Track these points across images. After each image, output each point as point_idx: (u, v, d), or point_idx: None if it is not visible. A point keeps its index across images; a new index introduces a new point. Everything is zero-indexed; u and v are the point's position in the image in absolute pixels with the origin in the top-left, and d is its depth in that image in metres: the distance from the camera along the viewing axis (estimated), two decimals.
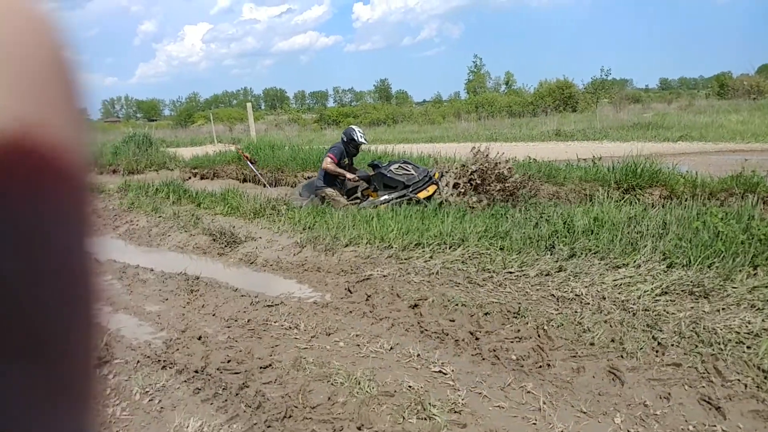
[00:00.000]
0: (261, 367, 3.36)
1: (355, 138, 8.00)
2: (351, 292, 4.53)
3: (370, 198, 7.76)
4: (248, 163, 10.28)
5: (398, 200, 7.23)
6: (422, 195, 7.17)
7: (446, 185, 7.22)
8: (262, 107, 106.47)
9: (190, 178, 14.01)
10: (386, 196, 7.41)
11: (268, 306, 4.36)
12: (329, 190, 7.86)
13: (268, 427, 2.76)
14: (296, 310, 4.24)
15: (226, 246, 6.26)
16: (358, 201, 7.92)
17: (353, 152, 8.17)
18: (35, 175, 0.25)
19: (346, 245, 5.66)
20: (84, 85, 0.29)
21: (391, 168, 7.64)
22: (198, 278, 5.20)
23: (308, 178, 11.23)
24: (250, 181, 12.21)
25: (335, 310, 4.20)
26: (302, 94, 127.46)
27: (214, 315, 4.31)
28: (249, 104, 18.67)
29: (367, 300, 4.33)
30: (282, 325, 3.97)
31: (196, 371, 3.36)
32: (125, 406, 3.06)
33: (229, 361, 3.48)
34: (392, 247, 5.41)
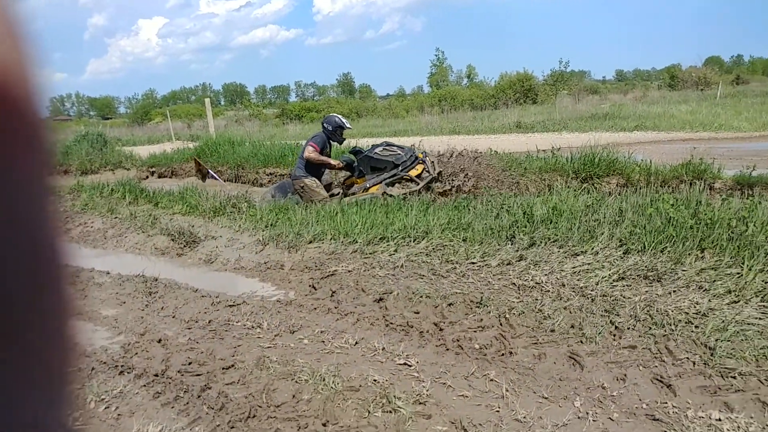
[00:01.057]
0: (223, 368, 3.31)
1: (342, 124, 7.79)
2: (315, 289, 4.50)
3: (356, 185, 7.56)
4: (210, 173, 10.00)
5: (390, 181, 7.12)
6: (413, 173, 7.11)
7: (432, 163, 7.33)
8: (222, 103, 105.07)
9: (147, 177, 13.74)
10: (375, 179, 7.25)
11: (229, 306, 4.31)
12: (309, 180, 7.61)
13: (232, 428, 2.72)
14: (259, 309, 4.20)
15: (185, 246, 6.15)
16: (335, 195, 7.75)
17: (340, 139, 7.93)
18: None
19: (310, 242, 5.63)
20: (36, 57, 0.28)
21: (376, 150, 7.49)
22: (157, 280, 5.10)
23: (270, 174, 11.13)
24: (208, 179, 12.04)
25: (299, 308, 4.17)
26: (263, 89, 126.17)
27: (174, 317, 4.24)
28: (207, 100, 18.36)
29: (331, 296, 4.32)
30: (244, 325, 3.92)
31: (156, 375, 3.29)
32: (78, 417, 2.97)
33: (190, 363, 3.42)
34: (357, 242, 5.40)
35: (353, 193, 7.39)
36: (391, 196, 6.91)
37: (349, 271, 4.75)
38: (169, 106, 62.48)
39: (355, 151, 7.76)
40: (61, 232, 0.29)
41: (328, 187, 7.98)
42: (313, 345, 3.55)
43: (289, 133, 24.08)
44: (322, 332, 3.71)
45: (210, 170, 9.34)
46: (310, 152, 7.55)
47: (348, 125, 7.91)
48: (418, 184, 7.03)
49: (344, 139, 8.09)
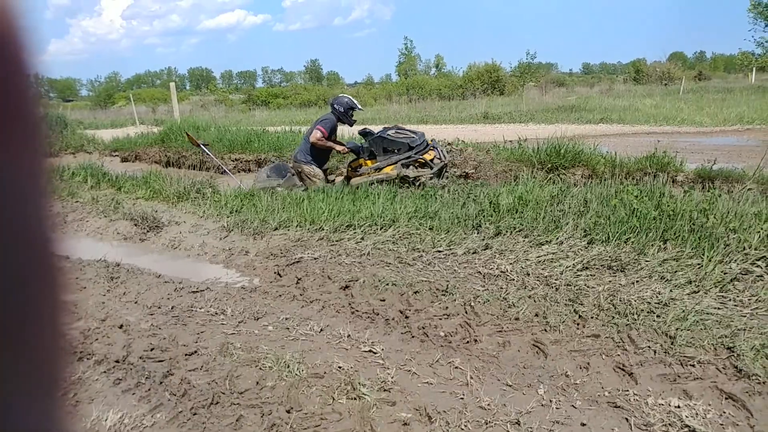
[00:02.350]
0: (186, 354, 3.26)
1: (354, 105, 7.46)
2: (281, 276, 4.46)
3: (364, 166, 7.28)
4: (202, 148, 9.58)
5: (405, 162, 6.91)
6: (427, 157, 6.96)
7: (442, 151, 7.26)
8: (188, 87, 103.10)
9: (110, 161, 13.41)
10: (388, 159, 7.01)
11: (193, 292, 4.24)
12: (308, 168, 7.33)
13: (194, 414, 2.68)
14: (223, 295, 4.14)
15: (148, 231, 6.02)
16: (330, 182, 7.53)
17: (351, 121, 7.55)
18: None
19: (276, 228, 5.57)
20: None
21: (389, 132, 7.24)
22: (119, 265, 4.98)
23: (235, 160, 10.96)
24: (173, 165, 11.81)
25: (264, 295, 4.13)
26: (229, 74, 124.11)
27: (136, 302, 4.15)
28: (172, 84, 18.01)
29: (297, 283, 4.28)
30: (208, 311, 3.86)
31: (117, 361, 3.22)
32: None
33: (152, 349, 3.35)
34: (323, 230, 5.36)
35: (361, 174, 7.16)
36: (407, 177, 6.80)
37: (315, 259, 4.71)
38: (133, 90, 61.06)
39: (365, 133, 7.38)
40: (55, 228, 0.29)
41: (325, 172, 7.69)
42: (277, 332, 3.52)
43: (256, 119, 23.77)
44: (287, 319, 3.68)
45: (202, 144, 8.97)
46: (318, 137, 7.23)
47: (360, 106, 7.61)
48: (432, 169, 6.90)
49: (355, 121, 7.71)
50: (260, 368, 3.07)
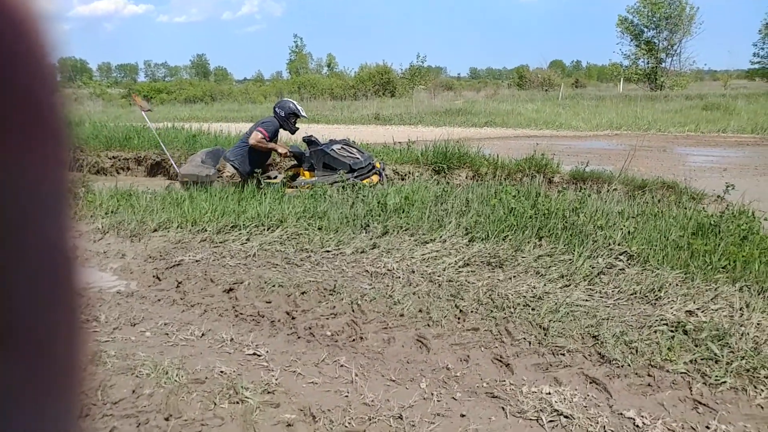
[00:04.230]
0: None
1: (297, 111, 7.03)
2: (160, 280, 4.27)
3: (302, 177, 6.81)
4: (143, 114, 8.43)
5: (341, 185, 6.28)
6: (367, 182, 6.41)
7: (386, 176, 6.85)
8: (57, 79, 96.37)
9: None
10: (325, 178, 6.50)
11: None
12: (230, 171, 6.88)
13: None
14: (96, 301, 3.89)
15: None
16: (273, 179, 7.03)
17: (293, 128, 7.12)
18: None
19: (155, 230, 5.32)
20: None
21: (334, 147, 6.74)
22: None
23: (113, 158, 10.38)
24: None
25: (142, 299, 3.93)
26: (107, 66, 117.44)
27: None
28: None
29: (177, 287, 4.11)
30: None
31: None
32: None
33: None
34: (206, 231, 5.19)
35: (294, 187, 6.71)
36: None
37: (197, 261, 4.55)
38: None
39: (309, 141, 6.93)
40: (73, 232, 0.28)
41: (265, 169, 7.19)
42: (156, 338, 3.36)
43: (137, 115, 22.60)
44: (166, 324, 3.52)
45: (145, 112, 8.03)
46: (258, 139, 6.75)
47: (303, 113, 7.16)
48: None
49: (297, 129, 7.27)
50: (137, 376, 2.91)
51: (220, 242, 4.96)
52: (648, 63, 40.31)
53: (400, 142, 9.41)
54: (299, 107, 7.14)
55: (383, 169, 7.03)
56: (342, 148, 6.83)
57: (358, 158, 6.72)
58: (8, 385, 0.24)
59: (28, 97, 0.25)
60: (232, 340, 3.29)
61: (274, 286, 3.99)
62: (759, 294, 3.52)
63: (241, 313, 3.64)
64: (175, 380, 2.84)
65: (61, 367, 0.28)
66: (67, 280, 0.28)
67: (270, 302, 3.79)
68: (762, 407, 2.51)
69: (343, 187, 6.10)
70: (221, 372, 2.92)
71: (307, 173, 6.83)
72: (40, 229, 0.26)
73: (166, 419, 2.56)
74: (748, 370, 2.74)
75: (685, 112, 20.16)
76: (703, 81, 51.66)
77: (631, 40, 40.73)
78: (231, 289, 3.99)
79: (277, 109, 7.10)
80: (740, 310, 3.30)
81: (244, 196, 6.04)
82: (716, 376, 2.70)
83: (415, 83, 39.37)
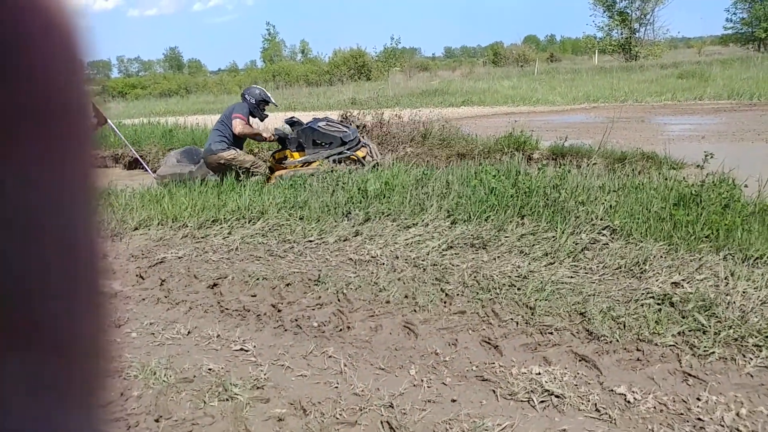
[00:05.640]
0: None
1: (266, 98, 6.84)
2: (143, 278, 4.21)
3: (290, 158, 6.69)
4: (110, 125, 8.06)
5: (336, 158, 6.37)
6: (359, 154, 6.51)
7: (373, 149, 6.88)
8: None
9: None
10: (317, 154, 6.46)
11: None
12: (234, 151, 6.55)
13: None
14: None
15: None
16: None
17: (262, 115, 6.90)
18: None
19: (135, 228, 5.25)
20: None
21: (320, 124, 6.69)
22: None
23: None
24: None
25: (125, 300, 3.88)
26: None
27: None
28: None
29: (161, 285, 4.06)
30: None
31: None
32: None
33: None
34: (187, 226, 5.13)
35: (286, 167, 6.66)
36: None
37: (179, 258, 4.49)
38: None
39: (292, 122, 6.86)
40: (100, 233, 0.28)
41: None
42: (141, 338, 3.32)
43: (111, 113, 22.26)
44: (151, 324, 3.47)
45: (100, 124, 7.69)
46: (242, 126, 6.53)
47: (273, 100, 7.01)
48: (364, 167, 6.43)
49: (266, 116, 7.07)
50: (124, 378, 2.88)
51: (202, 237, 4.90)
52: (622, 34, 40.49)
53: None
54: (269, 94, 7.00)
55: (368, 142, 7.05)
56: (327, 123, 6.79)
57: (346, 131, 6.73)
58: (35, 388, 0.25)
59: (56, 93, 0.25)
60: (218, 336, 3.25)
61: (258, 279, 3.95)
62: (743, 262, 3.55)
63: (227, 309, 3.61)
64: (164, 380, 2.81)
65: (88, 372, 0.28)
66: (94, 281, 0.28)
67: (255, 296, 3.75)
68: (752, 375, 2.53)
69: (335, 163, 6.21)
70: (209, 369, 2.89)
71: (296, 154, 6.74)
72: (67, 230, 0.26)
73: (156, 420, 2.53)
74: (736, 339, 2.76)
75: (661, 81, 20.30)
76: (677, 49, 52.03)
77: (604, 12, 40.87)
78: (215, 285, 3.95)
79: (246, 95, 6.91)
80: (725, 279, 3.32)
81: (224, 189, 5.97)
82: (705, 347, 2.71)
83: (391, 65, 39.18)
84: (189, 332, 3.34)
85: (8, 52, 0.23)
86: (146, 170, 8.43)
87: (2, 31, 0.23)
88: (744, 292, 3.13)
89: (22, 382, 0.24)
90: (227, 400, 2.64)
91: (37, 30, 0.24)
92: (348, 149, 6.56)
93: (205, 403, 2.63)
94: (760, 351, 2.66)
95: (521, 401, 2.48)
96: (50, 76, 0.25)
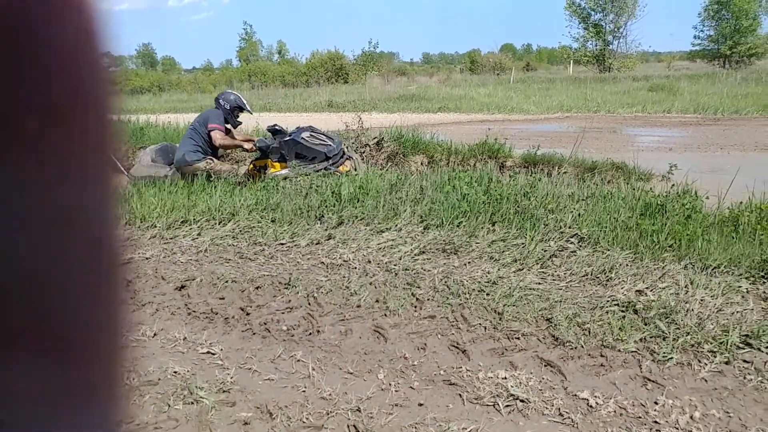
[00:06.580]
0: None
1: (242, 104, 6.66)
2: None
3: (272, 170, 6.46)
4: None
5: (317, 172, 6.13)
6: (343, 169, 6.26)
7: (356, 160, 6.71)
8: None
9: None
10: (299, 168, 6.23)
11: None
12: (208, 162, 6.43)
13: None
14: None
15: None
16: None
17: (236, 122, 6.72)
18: None
19: None
20: None
21: (304, 136, 6.42)
22: None
23: None
24: None
25: None
26: None
27: None
28: None
29: (127, 286, 3.99)
30: None
31: None
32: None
33: None
34: (155, 227, 5.06)
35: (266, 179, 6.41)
36: None
37: (146, 258, 4.44)
38: None
39: (275, 130, 6.57)
40: (120, 231, 0.28)
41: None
42: None
43: None
44: None
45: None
46: (222, 138, 6.42)
47: (248, 107, 6.85)
48: None
49: (240, 123, 6.92)
50: None
51: (171, 238, 4.85)
52: (596, 45, 41.18)
53: (353, 130, 9.34)
54: (244, 100, 6.86)
55: (352, 154, 6.91)
56: (311, 135, 6.56)
57: (330, 145, 6.50)
58: (52, 389, 0.25)
59: (80, 88, 0.25)
60: (185, 339, 3.22)
61: (227, 281, 3.92)
62: (702, 271, 3.64)
63: (194, 311, 3.57)
64: (127, 384, 2.77)
65: (104, 374, 0.29)
66: (114, 282, 0.29)
67: (223, 298, 3.72)
68: (706, 380, 2.60)
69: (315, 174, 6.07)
70: (175, 372, 2.86)
71: (277, 165, 6.55)
72: (88, 228, 0.26)
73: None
74: (692, 345, 2.83)
75: (633, 93, 20.67)
76: (648, 62, 53.09)
77: (580, 23, 41.51)
78: (183, 287, 3.91)
79: (220, 101, 6.76)
80: (685, 287, 3.40)
81: (194, 189, 5.91)
82: (664, 353, 2.78)
83: (368, 69, 39.22)
84: (155, 334, 3.29)
85: (40, 49, 0.23)
86: (120, 169, 8.27)
87: (37, 29, 0.23)
88: (702, 300, 3.21)
89: (47, 383, 0.24)
90: (192, 403, 2.61)
91: (67, 25, 0.25)
92: (332, 164, 6.36)
93: (169, 406, 2.60)
94: (715, 357, 2.74)
95: (487, 405, 2.50)
96: (75, 70, 0.25)
